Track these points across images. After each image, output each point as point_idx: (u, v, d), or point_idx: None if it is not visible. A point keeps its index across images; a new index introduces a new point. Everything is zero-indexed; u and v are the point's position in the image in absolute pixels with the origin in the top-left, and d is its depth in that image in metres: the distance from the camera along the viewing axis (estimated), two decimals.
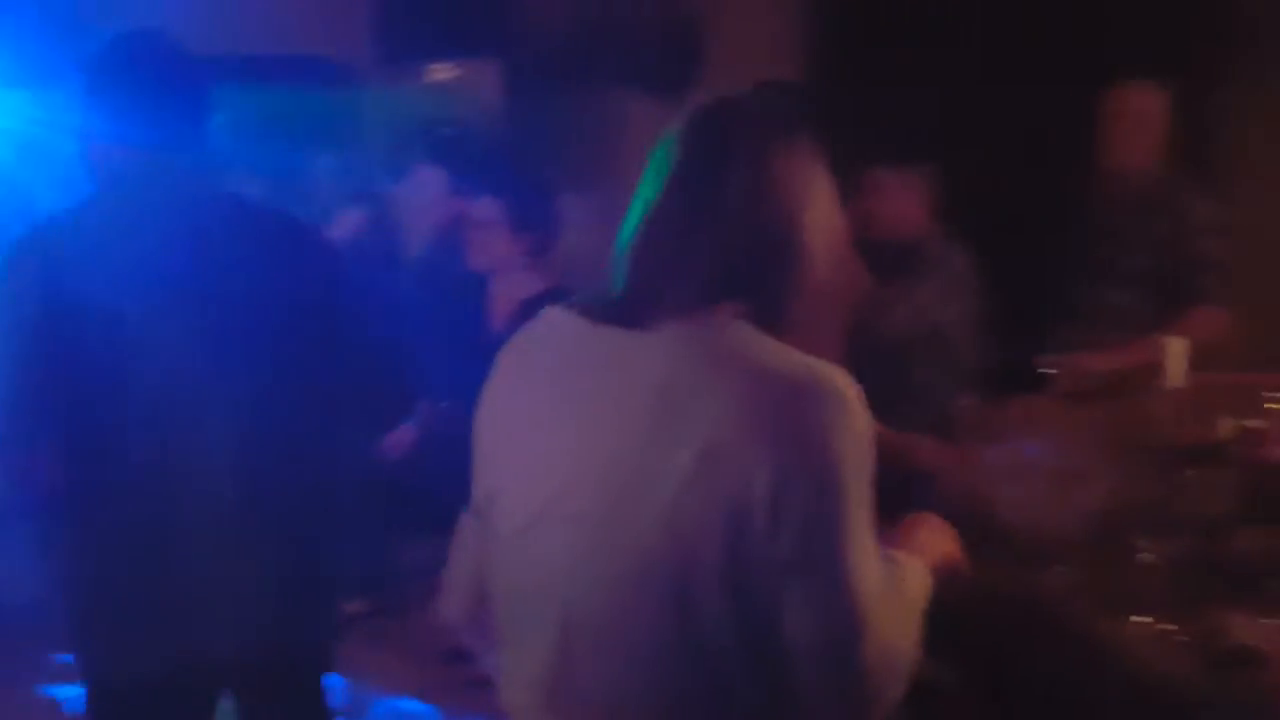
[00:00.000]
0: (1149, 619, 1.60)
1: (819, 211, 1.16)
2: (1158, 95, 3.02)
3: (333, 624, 2.00)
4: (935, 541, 1.33)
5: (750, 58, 3.79)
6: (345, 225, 3.43)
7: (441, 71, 4.13)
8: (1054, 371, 2.55)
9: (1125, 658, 1.57)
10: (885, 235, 3.15)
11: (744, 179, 1.12)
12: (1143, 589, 1.63)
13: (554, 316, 1.21)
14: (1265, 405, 2.31)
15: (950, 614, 1.92)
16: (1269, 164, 3.43)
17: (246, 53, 4.04)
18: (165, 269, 1.59)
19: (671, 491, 1.04)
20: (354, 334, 1.82)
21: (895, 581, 1.15)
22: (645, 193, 1.16)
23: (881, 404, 2.58)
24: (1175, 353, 2.67)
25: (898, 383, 2.94)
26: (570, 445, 1.13)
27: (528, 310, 2.42)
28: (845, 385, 1.07)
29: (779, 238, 1.13)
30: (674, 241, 1.13)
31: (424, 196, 3.32)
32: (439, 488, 2.50)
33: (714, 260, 1.11)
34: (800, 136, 1.17)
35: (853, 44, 3.71)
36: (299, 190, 3.43)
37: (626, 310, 1.13)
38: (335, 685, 2.06)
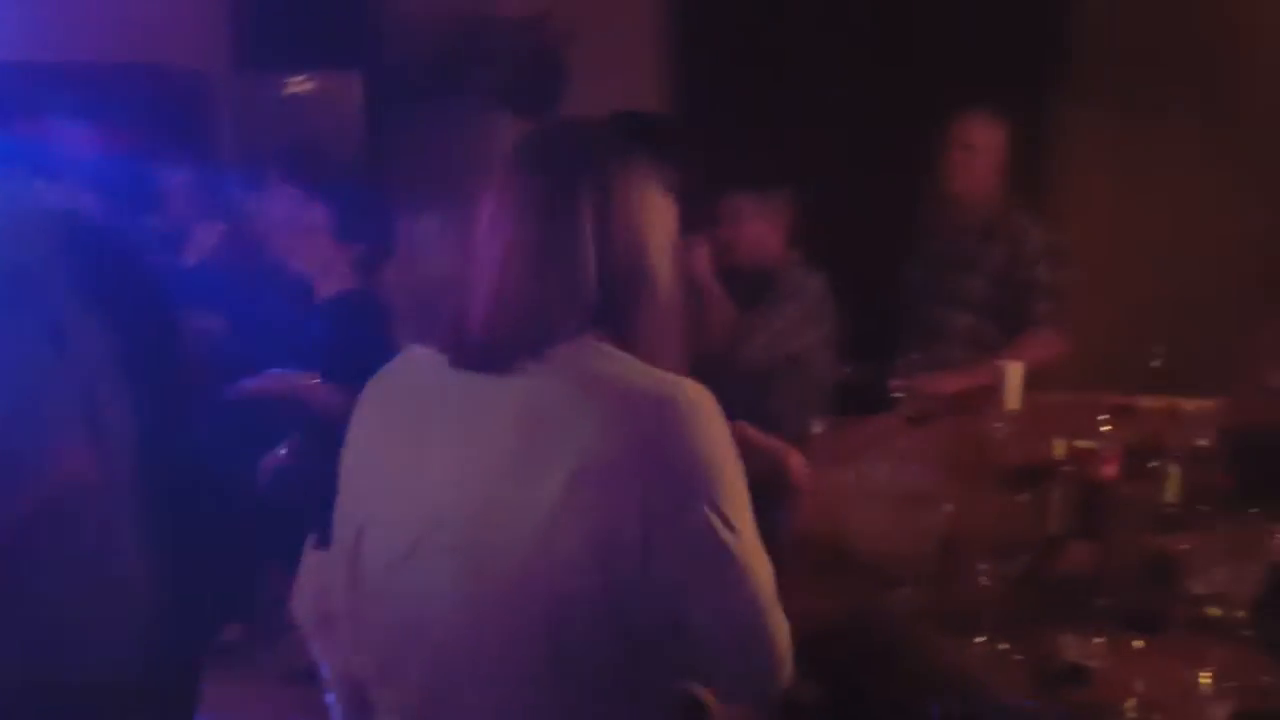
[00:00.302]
0: (986, 639, 1.68)
1: (665, 236, 1.20)
2: (996, 126, 3.19)
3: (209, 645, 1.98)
4: None
5: (613, 80, 3.83)
6: (204, 239, 3.33)
7: (301, 83, 4.04)
8: (902, 394, 2.65)
9: (964, 677, 1.64)
10: (744, 262, 3.24)
11: (589, 208, 1.14)
12: (981, 610, 1.71)
13: (416, 354, 1.22)
14: (1098, 426, 2.45)
15: (806, 632, 1.98)
16: (1099, 193, 3.65)
17: (101, 60, 3.87)
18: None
19: (544, 517, 1.06)
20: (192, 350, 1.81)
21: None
22: (494, 223, 1.17)
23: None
24: (1012, 375, 2.81)
25: (756, 408, 3.02)
26: (440, 478, 1.13)
27: (330, 308, 2.42)
28: (704, 396, 1.12)
29: (630, 265, 1.16)
30: (528, 273, 1.14)
31: (280, 211, 3.25)
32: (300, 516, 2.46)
33: (570, 290, 1.13)
34: (644, 164, 1.20)
35: (713, 71, 3.79)
36: (153, 203, 3.30)
37: (485, 345, 1.14)
38: None
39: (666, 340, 1.20)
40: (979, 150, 3.16)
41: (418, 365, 1.21)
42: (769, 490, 2.23)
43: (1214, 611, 1.55)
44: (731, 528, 1.10)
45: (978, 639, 1.68)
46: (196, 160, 3.76)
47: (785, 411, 2.74)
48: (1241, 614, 1.55)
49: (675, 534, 1.07)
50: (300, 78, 4.02)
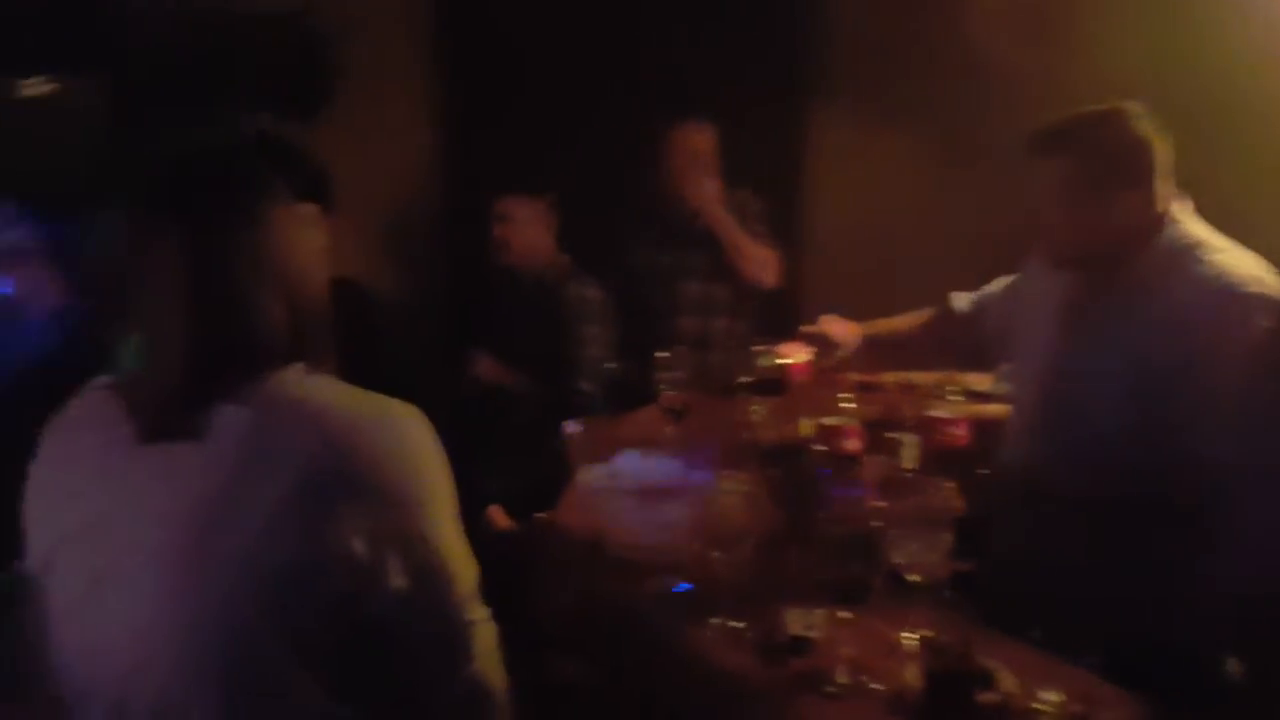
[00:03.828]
0: (722, 620, 1.81)
1: (318, 254, 1.24)
2: (706, 131, 3.45)
3: None
4: None
5: (382, 83, 3.80)
6: None
7: (37, 86, 3.80)
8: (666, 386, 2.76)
9: (703, 655, 1.77)
10: (517, 264, 3.32)
11: (241, 236, 1.16)
12: (718, 592, 1.84)
13: (99, 395, 1.21)
14: (844, 403, 2.64)
15: (567, 620, 2.09)
16: (849, 183, 3.89)
17: None
18: None
19: (255, 540, 1.09)
20: None
21: None
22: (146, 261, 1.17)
23: (507, 431, 2.68)
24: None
25: (519, 410, 3.11)
26: (137, 510, 1.14)
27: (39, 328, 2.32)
28: (411, 413, 1.18)
29: (301, 289, 1.21)
30: (191, 314, 1.15)
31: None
32: None
33: (241, 325, 1.16)
34: (285, 183, 1.22)
35: (483, 72, 3.81)
36: None
37: (163, 404, 1.15)
38: None
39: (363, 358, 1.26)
40: (695, 154, 3.41)
41: (99, 410, 1.20)
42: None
43: (914, 579, 1.71)
44: (438, 537, 1.17)
45: (714, 620, 1.81)
46: None
47: (553, 411, 2.82)
48: (939, 579, 1.73)
49: (386, 547, 1.12)
50: (37, 80, 3.78)
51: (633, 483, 2.00)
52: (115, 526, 1.14)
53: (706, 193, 3.32)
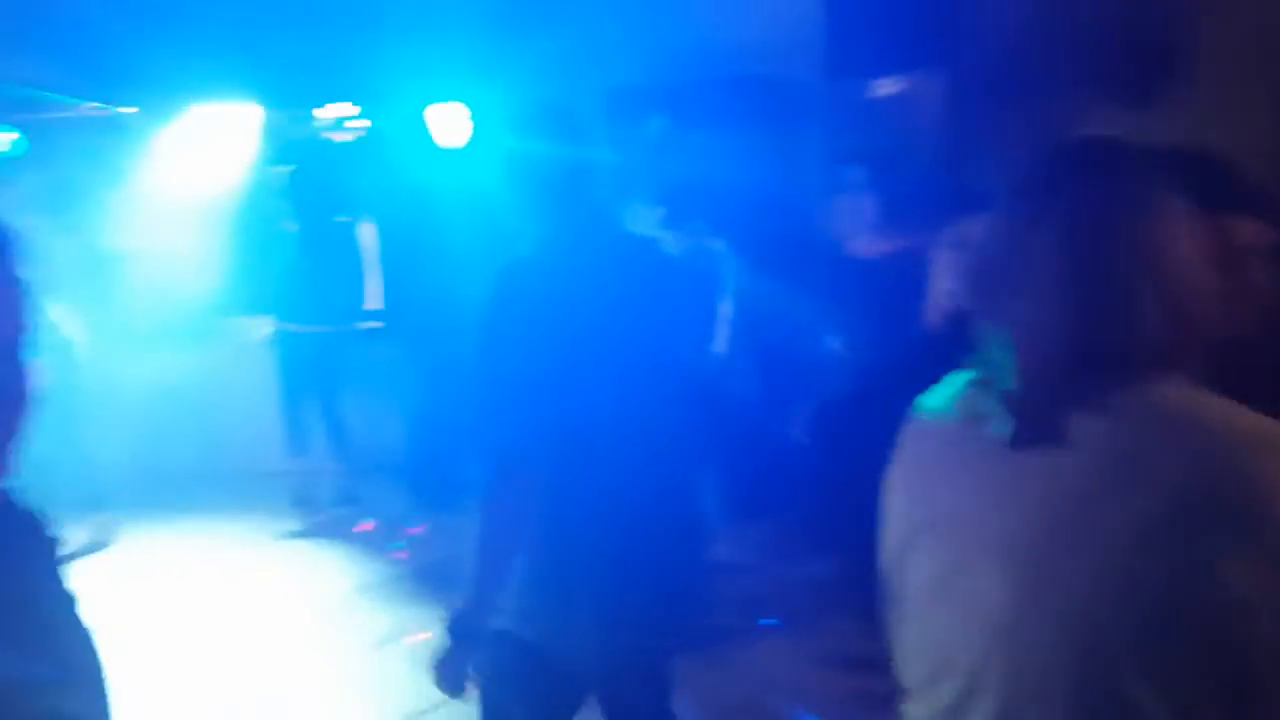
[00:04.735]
0: None
1: (1204, 260, 1.10)
2: None
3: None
4: None
5: (1237, 65, 3.37)
6: None
7: (887, 86, 4.09)
8: None
9: None
10: None
11: (1137, 235, 1.06)
12: None
13: (964, 390, 1.21)
14: None
15: None
16: None
17: (695, 75, 4.25)
18: (603, 300, 1.88)
19: (1112, 556, 1.01)
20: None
21: None
22: (1031, 248, 1.11)
23: None
24: None
25: None
26: (991, 503, 1.11)
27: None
28: None
29: (1188, 301, 1.07)
30: (1073, 307, 1.07)
31: (864, 218, 3.33)
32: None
33: (1125, 327, 1.06)
34: (1172, 182, 1.10)
35: None
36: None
37: (1039, 401, 1.09)
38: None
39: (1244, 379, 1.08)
40: None
41: (972, 391, 1.19)
42: None
43: None
44: None
45: None
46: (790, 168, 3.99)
47: None
48: None
49: (1266, 588, 0.97)
50: (886, 80, 4.07)
51: None
52: (969, 521, 1.13)
53: None
